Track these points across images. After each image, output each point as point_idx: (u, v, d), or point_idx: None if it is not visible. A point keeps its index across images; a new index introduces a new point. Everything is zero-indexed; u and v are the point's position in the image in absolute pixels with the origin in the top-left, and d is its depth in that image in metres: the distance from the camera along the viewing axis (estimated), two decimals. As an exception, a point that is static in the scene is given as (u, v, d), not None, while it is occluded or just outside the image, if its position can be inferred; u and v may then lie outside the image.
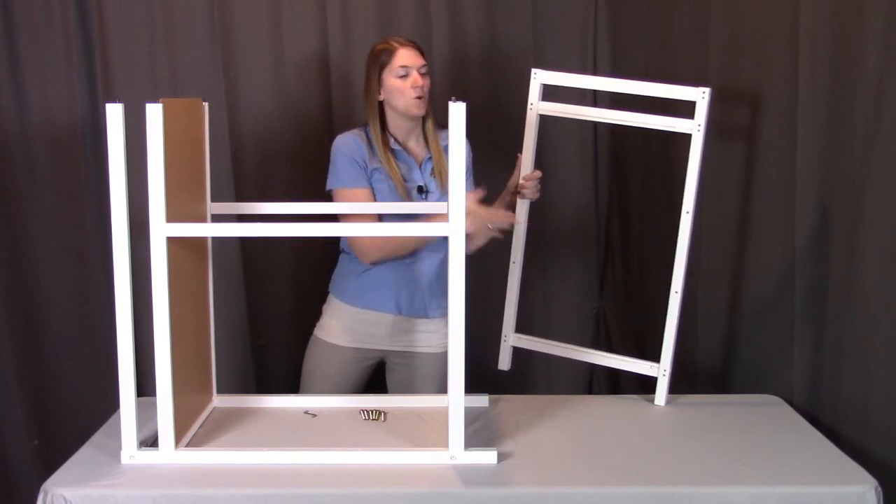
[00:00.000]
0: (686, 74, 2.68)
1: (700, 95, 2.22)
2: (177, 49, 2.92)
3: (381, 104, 2.49)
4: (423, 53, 2.48)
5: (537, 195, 2.46)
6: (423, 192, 2.49)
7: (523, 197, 2.46)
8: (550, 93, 2.45)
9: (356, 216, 2.39)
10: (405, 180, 2.47)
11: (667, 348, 2.29)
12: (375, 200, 2.45)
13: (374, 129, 2.48)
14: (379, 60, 2.46)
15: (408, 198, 2.47)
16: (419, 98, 2.43)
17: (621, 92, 2.40)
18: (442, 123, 2.50)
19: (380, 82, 2.46)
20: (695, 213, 2.25)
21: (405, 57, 2.43)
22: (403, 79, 2.43)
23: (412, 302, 2.54)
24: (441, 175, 2.49)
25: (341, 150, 2.46)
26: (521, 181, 2.44)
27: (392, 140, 2.49)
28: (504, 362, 2.54)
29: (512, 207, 2.49)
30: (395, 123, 2.50)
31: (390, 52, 2.44)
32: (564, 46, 3.13)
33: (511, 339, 2.52)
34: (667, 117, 2.30)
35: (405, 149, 2.50)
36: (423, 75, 2.44)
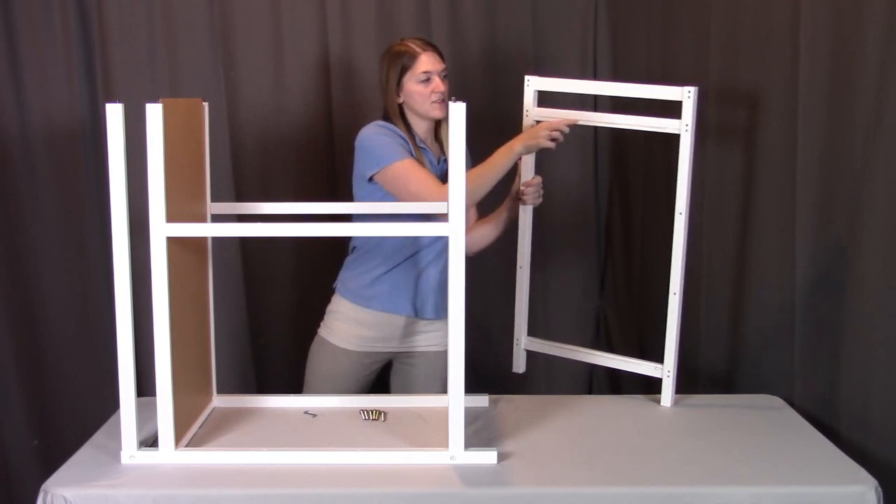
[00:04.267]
0: (686, 74, 2.69)
1: (686, 95, 2.21)
2: (177, 49, 2.92)
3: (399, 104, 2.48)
4: (442, 56, 2.47)
5: (539, 200, 2.46)
6: None
7: (524, 203, 2.46)
8: (552, 95, 2.45)
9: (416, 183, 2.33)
10: None
11: (669, 350, 2.29)
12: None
13: (399, 127, 2.46)
14: (399, 63, 2.43)
15: None
16: (440, 102, 2.42)
17: (613, 95, 2.40)
18: None
19: (399, 85, 2.44)
20: (689, 213, 2.24)
21: (427, 62, 2.41)
22: (425, 83, 2.41)
23: (425, 304, 2.54)
24: None
25: (375, 133, 2.41)
26: (521, 187, 2.44)
27: (417, 137, 2.49)
28: (518, 366, 2.55)
29: (514, 214, 2.49)
30: (416, 124, 2.48)
31: (412, 57, 2.41)
32: (564, 46, 3.13)
33: (524, 342, 2.53)
34: (654, 118, 2.29)
35: (427, 147, 2.50)
36: (443, 79, 2.44)
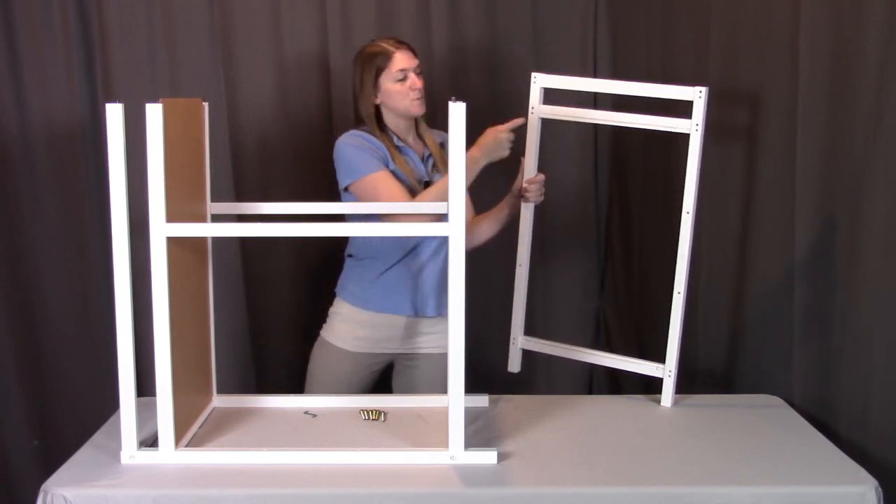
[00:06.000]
0: (686, 74, 2.68)
1: (697, 95, 2.22)
2: (177, 49, 2.92)
3: (376, 106, 2.49)
4: (415, 52, 2.49)
5: (541, 198, 2.47)
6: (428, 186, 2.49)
7: (527, 200, 2.46)
8: (550, 95, 2.45)
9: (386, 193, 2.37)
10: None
11: (671, 349, 2.29)
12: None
13: (374, 131, 2.48)
14: (374, 64, 2.45)
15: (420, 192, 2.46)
16: (419, 99, 2.45)
17: (621, 94, 2.40)
18: (429, 122, 2.55)
19: (376, 86, 2.46)
20: (695, 213, 2.25)
21: (402, 60, 2.44)
22: (402, 82, 2.44)
23: (426, 302, 2.54)
24: (445, 167, 2.50)
25: (348, 144, 2.44)
26: (524, 185, 2.45)
27: (395, 138, 2.49)
28: (514, 365, 2.54)
29: (515, 211, 2.49)
30: (394, 123, 2.51)
31: (387, 57, 2.44)
32: (564, 46, 3.13)
33: (520, 341, 2.53)
34: (665, 118, 2.30)
35: (408, 145, 2.51)
36: (418, 75, 2.46)
